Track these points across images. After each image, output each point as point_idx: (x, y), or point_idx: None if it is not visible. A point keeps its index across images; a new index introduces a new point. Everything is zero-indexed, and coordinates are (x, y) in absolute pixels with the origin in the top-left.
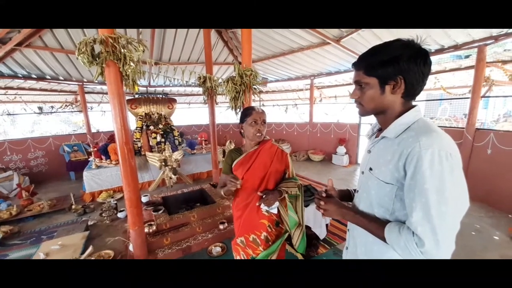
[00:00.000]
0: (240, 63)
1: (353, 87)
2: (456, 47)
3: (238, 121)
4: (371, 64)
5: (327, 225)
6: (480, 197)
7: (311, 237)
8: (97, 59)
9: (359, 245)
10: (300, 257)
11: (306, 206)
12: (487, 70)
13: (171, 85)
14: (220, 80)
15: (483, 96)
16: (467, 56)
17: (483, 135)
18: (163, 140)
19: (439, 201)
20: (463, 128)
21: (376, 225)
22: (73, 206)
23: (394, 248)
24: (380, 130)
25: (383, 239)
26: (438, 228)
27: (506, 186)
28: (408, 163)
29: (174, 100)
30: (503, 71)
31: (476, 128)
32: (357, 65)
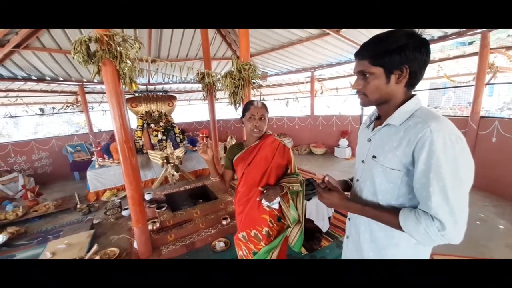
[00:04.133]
0: (238, 57)
1: (354, 78)
2: (460, 34)
3: (238, 116)
4: (377, 53)
5: (329, 218)
6: (485, 186)
7: (314, 230)
8: (93, 58)
9: (363, 233)
10: (303, 250)
11: (309, 199)
12: (491, 57)
13: (170, 82)
14: (218, 76)
15: (488, 83)
16: (470, 43)
17: (487, 123)
18: (164, 137)
19: (455, 184)
20: (468, 116)
21: (387, 215)
22: (78, 206)
23: (412, 234)
24: (378, 119)
25: (397, 227)
26: (455, 210)
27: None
28: (418, 148)
29: (174, 98)
30: (507, 57)
31: (481, 116)
32: (361, 55)
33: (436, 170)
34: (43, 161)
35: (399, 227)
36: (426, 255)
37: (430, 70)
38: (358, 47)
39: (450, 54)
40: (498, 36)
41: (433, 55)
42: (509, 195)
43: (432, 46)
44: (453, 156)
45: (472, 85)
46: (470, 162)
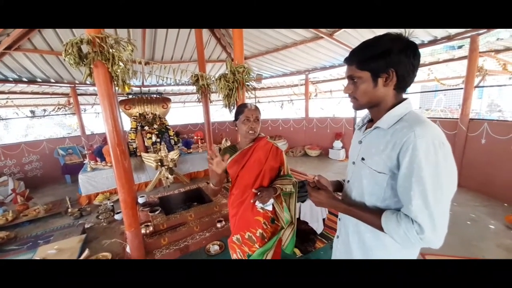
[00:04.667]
0: (232, 59)
1: (347, 81)
2: (449, 38)
3: (233, 118)
4: (363, 58)
5: (324, 219)
6: (475, 186)
7: (308, 232)
8: (84, 60)
9: (351, 234)
10: (298, 252)
11: (303, 201)
12: (480, 60)
13: (165, 84)
14: (212, 78)
15: (477, 86)
16: (460, 47)
17: (477, 125)
18: (158, 140)
19: (435, 188)
20: (457, 119)
21: (370, 216)
22: (69, 210)
23: (393, 236)
24: (370, 122)
25: (380, 228)
26: (435, 214)
27: (501, 175)
28: (402, 152)
29: (169, 100)
30: (496, 61)
31: (470, 119)
32: (349, 60)
33: (417, 174)
34: (33, 164)
35: (381, 229)
36: (413, 257)
37: (421, 74)
38: (350, 51)
39: (440, 58)
40: (488, 39)
41: (424, 59)
42: (499, 195)
43: (422, 50)
44: (435, 161)
45: (462, 88)
46: (453, 169)
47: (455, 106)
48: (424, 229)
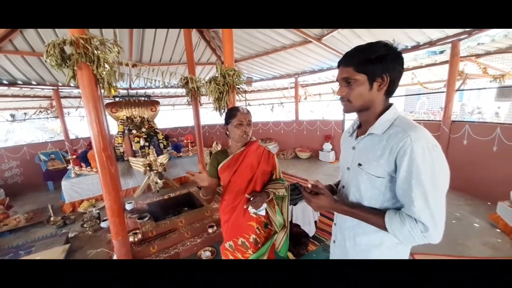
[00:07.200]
0: (223, 62)
1: (336, 84)
2: (431, 43)
3: (224, 122)
4: (361, 61)
5: (315, 222)
6: (459, 186)
7: (300, 235)
8: (67, 61)
9: (348, 239)
10: (290, 255)
11: (295, 204)
12: (461, 64)
13: (153, 87)
14: (202, 81)
15: (458, 90)
16: (441, 52)
17: (459, 127)
18: (147, 144)
19: (433, 189)
20: (440, 121)
21: (373, 216)
22: (52, 218)
23: (396, 235)
24: (359, 127)
25: (383, 228)
26: (435, 213)
27: (483, 174)
28: (400, 156)
29: (157, 103)
30: (476, 65)
31: (452, 121)
32: (345, 62)
33: (416, 176)
34: (13, 170)
35: (384, 228)
36: (406, 254)
37: (405, 78)
38: (339, 54)
39: (423, 62)
40: (468, 44)
41: (407, 64)
42: (481, 194)
43: (406, 55)
44: (430, 163)
45: (444, 92)
46: (446, 168)
47: (437, 108)
48: (428, 228)
